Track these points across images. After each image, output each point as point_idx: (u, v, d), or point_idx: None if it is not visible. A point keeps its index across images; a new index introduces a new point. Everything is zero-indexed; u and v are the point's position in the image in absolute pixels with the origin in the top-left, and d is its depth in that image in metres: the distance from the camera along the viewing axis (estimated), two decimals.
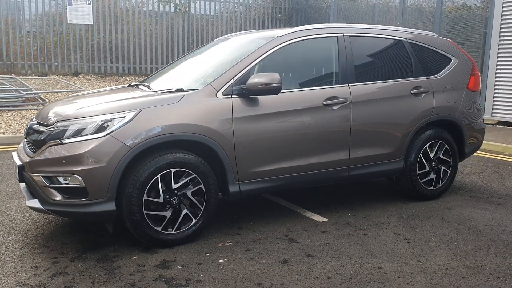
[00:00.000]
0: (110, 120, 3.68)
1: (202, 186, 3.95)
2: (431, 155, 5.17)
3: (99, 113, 3.76)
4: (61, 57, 13.24)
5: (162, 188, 3.79)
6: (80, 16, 13.34)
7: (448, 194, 5.52)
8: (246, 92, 4.09)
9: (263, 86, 4.03)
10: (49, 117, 3.96)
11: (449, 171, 5.33)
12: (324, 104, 4.47)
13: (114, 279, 3.35)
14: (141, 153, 3.70)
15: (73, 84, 12.38)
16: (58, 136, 3.71)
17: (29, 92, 10.90)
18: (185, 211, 3.92)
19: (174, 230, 3.90)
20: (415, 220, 4.64)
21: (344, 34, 4.78)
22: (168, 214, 3.85)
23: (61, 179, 3.65)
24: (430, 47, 5.31)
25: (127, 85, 5.11)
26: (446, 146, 5.26)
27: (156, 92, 4.23)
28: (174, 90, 4.17)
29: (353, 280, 3.37)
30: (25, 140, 4.24)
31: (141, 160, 3.73)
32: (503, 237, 4.22)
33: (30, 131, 4.09)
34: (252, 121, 4.14)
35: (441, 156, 5.25)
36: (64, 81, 12.44)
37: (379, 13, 15.88)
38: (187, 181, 3.89)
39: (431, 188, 5.24)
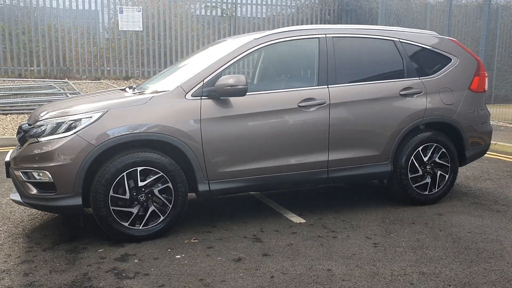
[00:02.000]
0: (79, 120, 3.93)
1: (170, 184, 4.11)
2: (425, 159, 4.99)
3: (71, 113, 4.02)
4: (113, 62, 13.97)
5: (128, 186, 3.98)
6: (131, 23, 14.03)
7: (448, 199, 5.30)
8: (214, 93, 4.20)
9: (229, 87, 4.13)
10: (34, 118, 4.29)
11: (447, 176, 5.11)
12: (299, 106, 4.47)
13: (71, 269, 3.58)
14: (106, 152, 3.92)
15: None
16: (35, 135, 4.01)
17: (76, 95, 11.63)
18: (152, 208, 4.08)
19: (141, 226, 4.08)
20: (396, 225, 4.51)
21: (327, 35, 4.75)
22: (135, 210, 4.04)
23: (35, 174, 3.95)
24: (427, 47, 5.13)
25: (120, 88, 5.37)
26: (443, 150, 5.06)
27: (134, 94, 4.44)
28: (149, 92, 4.35)
29: (295, 281, 3.37)
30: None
31: (108, 158, 3.95)
32: (480, 245, 4.01)
33: (19, 131, 4.44)
34: (222, 122, 4.23)
35: (437, 160, 5.05)
36: (113, 85, 13.13)
37: (431, 12, 15.34)
38: (154, 179, 4.05)
39: (426, 193, 5.06)
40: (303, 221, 4.63)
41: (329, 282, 3.35)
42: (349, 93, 4.68)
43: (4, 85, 12.22)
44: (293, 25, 15.79)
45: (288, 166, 4.49)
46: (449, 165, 5.11)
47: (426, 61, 5.10)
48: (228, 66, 4.37)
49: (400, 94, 4.86)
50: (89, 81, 13.32)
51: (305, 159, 4.54)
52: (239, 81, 4.12)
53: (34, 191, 3.98)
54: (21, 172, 4.02)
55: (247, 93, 4.35)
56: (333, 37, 4.77)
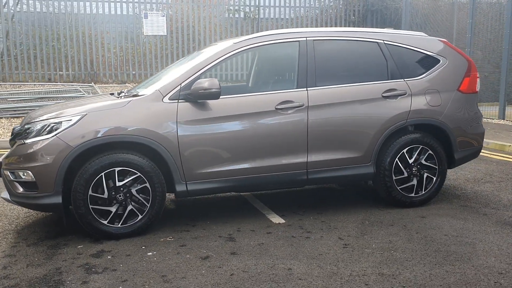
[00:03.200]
0: (59, 123, 4.15)
1: (147, 184, 4.27)
2: (411, 161, 4.96)
3: (54, 117, 4.25)
4: (138, 66, 14.38)
5: (106, 185, 4.17)
6: (155, 28, 14.39)
7: (437, 201, 5.25)
8: (190, 97, 4.35)
9: (203, 91, 4.26)
10: (24, 121, 4.55)
11: (434, 178, 5.07)
12: (276, 108, 4.55)
13: (47, 263, 3.80)
14: (84, 153, 4.12)
15: None
16: (22, 137, 4.27)
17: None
18: (130, 207, 4.26)
19: (120, 224, 4.26)
20: (374, 227, 4.52)
21: (308, 39, 4.81)
22: (113, 209, 4.22)
23: (21, 174, 4.20)
24: (414, 49, 5.11)
25: (110, 93, 5.57)
26: (430, 152, 5.02)
27: (116, 98, 4.63)
28: (130, 95, 4.54)
29: (253, 279, 3.47)
30: None
31: (87, 159, 4.15)
32: (451, 248, 3.98)
33: (11, 133, 4.71)
34: (198, 125, 4.37)
35: (424, 162, 5.02)
36: None
37: (459, 11, 15.00)
38: (132, 179, 4.23)
39: (412, 195, 5.03)
40: (282, 221, 4.71)
41: (285, 281, 3.43)
42: (328, 95, 4.73)
43: (33, 89, 12.78)
44: (317, 26, 15.80)
45: (266, 168, 4.58)
46: (437, 167, 5.06)
47: (412, 63, 5.08)
48: (206, 70, 4.51)
49: (383, 96, 4.87)
50: (114, 85, 13.76)
51: (283, 160, 4.62)
52: (212, 85, 4.25)
53: (20, 189, 4.23)
54: (9, 172, 4.28)
55: (226, 97, 4.48)
56: (314, 40, 4.83)
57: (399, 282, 3.39)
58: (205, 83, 4.27)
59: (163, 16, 14.37)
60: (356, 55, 5.00)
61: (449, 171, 6.60)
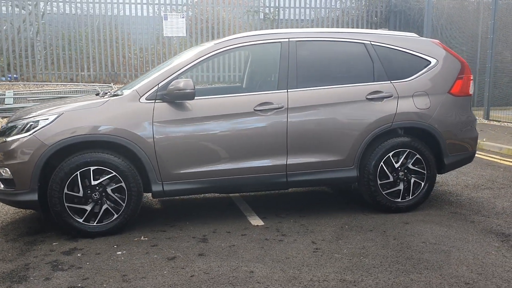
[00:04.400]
0: (37, 121, 4.23)
1: (123, 184, 4.31)
2: (397, 165, 4.84)
3: (33, 115, 4.34)
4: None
5: (81, 184, 4.23)
6: (175, 29, 14.55)
7: (426, 207, 5.10)
8: (166, 97, 4.36)
9: (178, 91, 4.27)
10: (10, 119, 4.66)
11: (422, 183, 4.92)
12: (255, 110, 4.52)
13: (18, 259, 3.88)
14: (59, 151, 4.19)
15: None
16: (5, 135, 4.37)
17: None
18: (105, 206, 4.30)
19: (96, 222, 4.31)
20: (352, 231, 4.43)
21: (290, 40, 4.76)
22: (89, 207, 4.27)
23: (1, 171, 4.30)
24: (403, 50, 4.98)
25: (95, 93, 5.60)
26: (418, 156, 4.88)
27: (96, 98, 4.68)
28: (111, 95, 4.59)
29: (211, 280, 3.45)
30: None
31: (62, 157, 4.22)
32: (425, 255, 3.86)
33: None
34: (175, 125, 4.38)
35: (411, 166, 4.88)
36: None
37: (484, 12, 14.57)
38: (107, 178, 4.28)
39: (399, 200, 4.90)
40: (261, 223, 4.66)
41: (243, 284, 3.39)
42: (309, 97, 4.66)
43: (55, 89, 13.12)
44: (338, 27, 15.63)
45: (244, 169, 4.54)
46: (425, 172, 4.92)
47: (400, 64, 4.95)
48: (184, 70, 4.51)
49: (367, 98, 4.76)
50: None
51: (262, 162, 4.58)
52: (187, 85, 4.25)
53: (1, 186, 4.33)
54: None
55: (204, 97, 4.49)
56: (296, 41, 4.76)
57: None
58: (180, 83, 4.28)
59: (183, 17, 14.51)
60: (341, 57, 4.91)
61: (449, 176, 6.43)
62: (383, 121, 4.75)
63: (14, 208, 5.24)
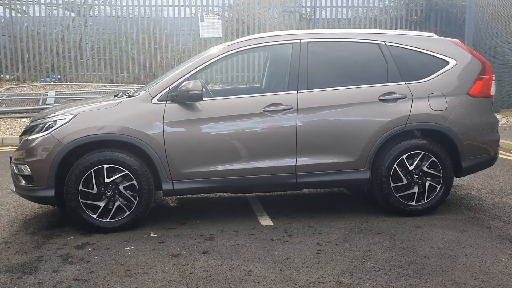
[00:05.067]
0: (55, 121, 4.43)
1: (134, 182, 4.45)
2: (411, 167, 4.75)
3: (52, 115, 4.54)
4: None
5: (95, 181, 4.39)
6: (211, 30, 14.75)
7: (444, 211, 4.98)
8: (176, 98, 4.47)
9: (187, 92, 4.37)
10: (33, 119, 4.90)
11: (438, 186, 4.81)
12: (264, 111, 4.55)
13: (33, 251, 4.08)
14: (75, 150, 4.37)
15: None
16: (26, 133, 4.61)
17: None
18: (118, 203, 4.45)
19: (109, 218, 4.47)
20: (361, 234, 4.39)
21: (302, 41, 4.76)
22: (102, 204, 4.44)
23: (22, 168, 4.53)
24: (419, 50, 4.88)
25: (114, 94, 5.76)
26: (433, 159, 4.77)
27: (113, 99, 4.84)
28: (127, 96, 4.74)
29: (208, 278, 3.51)
30: None
31: (78, 155, 4.40)
32: (430, 260, 3.78)
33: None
34: (185, 125, 4.48)
35: (426, 169, 4.78)
36: None
37: None
38: (119, 176, 4.42)
39: (413, 203, 4.81)
40: (270, 224, 4.69)
41: (238, 282, 3.44)
42: (320, 98, 4.65)
43: (95, 90, 13.58)
44: (376, 26, 15.40)
45: (253, 170, 4.59)
46: (441, 175, 4.80)
47: (416, 65, 4.86)
48: (195, 72, 4.61)
49: (380, 99, 4.70)
50: None
51: (271, 163, 4.60)
52: (195, 87, 4.34)
53: (22, 182, 4.56)
54: (14, 165, 4.64)
55: (214, 98, 4.58)
56: (308, 42, 4.76)
57: None
58: (189, 84, 4.37)
59: (219, 19, 14.69)
60: (354, 57, 4.87)
61: (476, 180, 6.27)
62: (396, 122, 4.68)
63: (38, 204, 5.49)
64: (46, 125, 4.45)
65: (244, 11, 15.00)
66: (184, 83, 4.43)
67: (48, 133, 4.39)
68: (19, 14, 14.49)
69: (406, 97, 4.73)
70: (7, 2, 14.27)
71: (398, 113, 4.69)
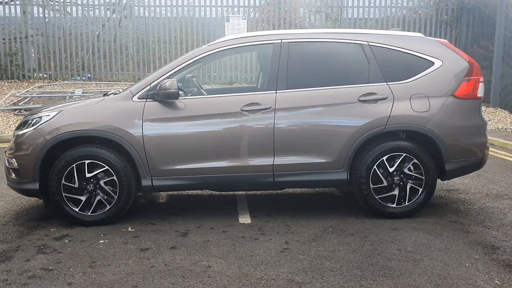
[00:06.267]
0: (40, 117, 4.65)
1: (114, 177, 4.60)
2: (391, 169, 4.69)
3: (40, 112, 4.76)
4: (218, 68, 14.94)
5: (77, 176, 4.57)
6: (236, 31, 14.85)
7: (428, 214, 4.91)
8: (155, 96, 4.59)
9: (164, 91, 4.48)
10: (26, 115, 5.14)
11: (420, 189, 4.74)
12: (242, 110, 4.61)
13: (14, 241, 4.29)
14: (58, 145, 4.56)
15: None
16: (17, 129, 4.85)
17: None
18: (99, 197, 4.62)
19: (90, 212, 4.64)
20: (333, 234, 4.38)
21: (282, 41, 4.79)
22: (83, 198, 4.62)
23: (12, 161, 4.77)
24: (404, 50, 4.81)
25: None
26: (415, 161, 4.70)
27: (98, 97, 5.00)
28: (111, 94, 4.91)
29: (167, 272, 3.61)
30: None
31: (62, 151, 4.59)
32: (392, 263, 3.74)
33: None
34: (164, 123, 4.59)
35: (407, 171, 4.71)
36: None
37: None
38: (100, 172, 4.59)
39: (394, 205, 4.75)
40: (248, 222, 4.75)
41: (193, 277, 3.52)
42: (298, 98, 4.66)
43: (123, 88, 13.96)
44: (404, 26, 15.11)
45: (231, 168, 4.65)
46: (423, 177, 4.72)
47: (399, 65, 4.79)
48: (176, 71, 4.72)
49: (359, 100, 4.67)
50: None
51: (249, 162, 4.66)
52: (171, 85, 4.45)
53: (12, 175, 4.80)
54: (6, 159, 4.89)
55: (193, 97, 4.68)
56: (289, 42, 4.79)
57: None
58: (166, 83, 4.48)
59: (244, 19, 14.79)
60: (335, 58, 4.85)
61: (476, 184, 6.13)
62: (375, 124, 4.64)
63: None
64: (34, 121, 4.67)
65: (270, 11, 15.05)
66: (162, 82, 4.54)
67: (33, 129, 4.60)
68: (57, 15, 15.07)
69: (387, 98, 4.68)
70: (40, 2, 14.86)
71: (378, 114, 4.65)
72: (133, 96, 4.65)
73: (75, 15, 15.22)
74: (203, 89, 5.75)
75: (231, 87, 10.17)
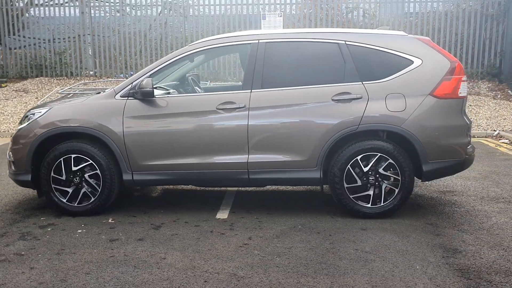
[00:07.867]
0: (33, 114, 5.01)
1: (98, 171, 4.89)
2: (365, 169, 4.67)
3: (35, 109, 5.13)
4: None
5: (64, 169, 4.90)
6: (272, 28, 14.95)
7: (406, 215, 4.85)
8: (135, 94, 4.82)
9: (140, 89, 4.70)
10: (27, 111, 5.54)
11: (396, 190, 4.68)
12: (217, 109, 4.75)
13: (3, 228, 4.66)
14: (47, 140, 4.89)
15: None
16: (19, 123, 5.25)
17: None
18: (84, 190, 4.92)
19: (76, 203, 4.96)
20: (298, 232, 4.44)
21: (260, 41, 4.87)
22: (70, 190, 4.93)
23: (10, 154, 5.17)
24: (381, 49, 4.76)
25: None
26: (391, 161, 4.65)
27: (86, 95, 5.31)
28: (99, 92, 5.20)
29: (122, 262, 3.82)
30: None
31: (52, 145, 4.93)
32: (342, 262, 3.76)
33: None
34: (143, 120, 4.82)
35: (382, 172, 4.67)
36: None
37: None
38: (85, 165, 4.89)
39: (368, 205, 4.73)
40: (224, 217, 4.89)
41: (144, 267, 3.71)
42: (272, 97, 4.74)
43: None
44: (446, 21, 14.59)
45: (208, 165, 4.81)
46: (399, 178, 4.66)
47: (376, 64, 4.75)
48: (156, 71, 4.92)
49: (333, 100, 4.67)
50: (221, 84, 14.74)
51: (225, 159, 4.79)
52: (147, 84, 4.66)
53: (12, 167, 5.20)
54: (8, 152, 5.30)
55: (171, 96, 4.88)
56: (266, 42, 4.86)
57: (246, 284, 3.40)
58: (143, 82, 4.70)
59: (280, 16, 14.85)
60: (311, 57, 4.87)
61: (479, 186, 5.94)
62: (348, 123, 4.63)
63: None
64: (28, 117, 5.04)
65: (306, 8, 15.02)
66: (139, 81, 4.76)
67: (27, 124, 4.97)
68: (107, 14, 15.80)
69: (361, 98, 4.65)
70: (86, 2, 15.62)
71: (351, 114, 4.64)
72: (116, 94, 4.91)
73: (123, 14, 15.86)
74: (200, 88, 5.95)
75: (224, 85, 10.34)
